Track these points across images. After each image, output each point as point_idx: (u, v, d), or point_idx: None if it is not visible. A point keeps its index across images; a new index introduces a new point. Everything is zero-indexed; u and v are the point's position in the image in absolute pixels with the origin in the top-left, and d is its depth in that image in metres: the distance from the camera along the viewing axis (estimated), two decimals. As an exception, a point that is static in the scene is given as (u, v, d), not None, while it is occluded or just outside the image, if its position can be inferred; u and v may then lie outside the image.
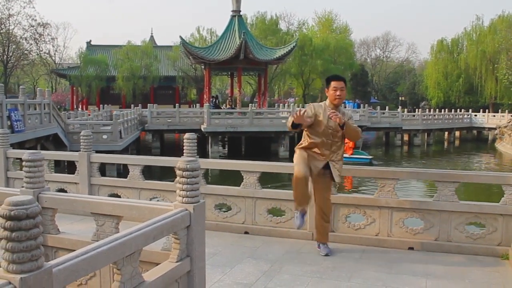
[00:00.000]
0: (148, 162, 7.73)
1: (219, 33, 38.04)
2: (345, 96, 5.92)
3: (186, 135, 7.03)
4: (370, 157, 28.37)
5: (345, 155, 24.88)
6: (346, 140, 24.79)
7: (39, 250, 2.22)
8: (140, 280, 3.14)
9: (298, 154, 5.80)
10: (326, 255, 5.88)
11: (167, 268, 3.43)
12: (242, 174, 7.02)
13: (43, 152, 10.31)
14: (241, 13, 35.40)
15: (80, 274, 2.62)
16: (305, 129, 5.88)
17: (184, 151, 7.11)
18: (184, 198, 3.63)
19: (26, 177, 4.25)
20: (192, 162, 3.65)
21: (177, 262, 3.52)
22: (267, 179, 9.25)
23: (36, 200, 4.15)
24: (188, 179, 3.61)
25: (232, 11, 34.67)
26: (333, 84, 5.79)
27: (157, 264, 3.62)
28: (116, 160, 8.82)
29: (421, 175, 6.77)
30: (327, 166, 5.82)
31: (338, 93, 5.76)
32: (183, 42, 34.16)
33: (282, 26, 62.39)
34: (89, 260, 2.59)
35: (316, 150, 5.78)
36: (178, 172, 3.65)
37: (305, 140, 5.90)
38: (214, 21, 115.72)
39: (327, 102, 5.87)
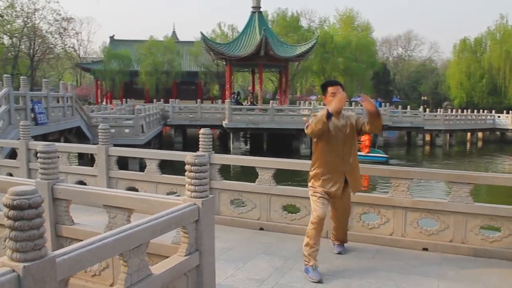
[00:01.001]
0: (164, 157, 7.78)
1: (240, 29, 37.99)
2: (345, 102, 5.42)
3: (202, 131, 7.06)
4: (386, 156, 28.19)
5: (361, 154, 24.95)
6: (362, 139, 24.73)
7: (42, 240, 2.26)
8: (148, 273, 3.17)
9: (312, 197, 5.44)
10: (339, 253, 5.88)
11: (176, 262, 3.46)
12: (257, 171, 7.03)
13: (63, 144, 10.56)
14: (261, 10, 35.31)
15: (85, 265, 2.66)
16: (314, 141, 5.57)
17: (199, 146, 7.15)
18: (193, 193, 3.66)
19: (41, 168, 4.32)
20: (200, 157, 3.68)
21: (185, 256, 3.55)
22: (288, 176, 9.24)
23: (50, 191, 4.25)
24: (197, 174, 3.64)
25: (253, 7, 34.60)
26: (330, 90, 5.46)
27: (167, 257, 3.66)
28: (133, 153, 8.90)
29: (436, 175, 6.67)
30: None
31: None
32: (204, 37, 34.21)
33: (303, 23, 62.13)
34: (94, 251, 2.63)
35: (327, 164, 5.40)
36: (186, 166, 3.68)
37: (315, 158, 5.54)
38: (236, 16, 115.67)
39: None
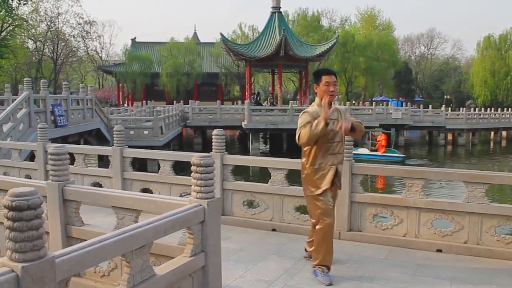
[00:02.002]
0: (176, 158, 7.83)
1: (261, 29, 38.05)
2: (337, 92, 5.24)
3: (214, 132, 7.09)
4: (402, 155, 28.08)
5: (377, 154, 24.83)
6: (379, 139, 24.60)
7: (41, 240, 2.30)
8: (151, 273, 3.19)
9: (317, 200, 5.05)
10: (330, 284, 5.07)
11: (180, 263, 3.48)
12: (270, 171, 7.02)
13: (79, 146, 10.69)
14: (281, 10, 35.27)
15: (86, 265, 2.70)
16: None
17: (212, 147, 7.17)
18: (198, 194, 3.68)
19: (52, 170, 4.39)
20: (205, 157, 3.69)
21: (191, 257, 3.57)
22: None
23: (61, 193, 4.31)
24: (202, 175, 3.66)
25: (272, 7, 34.59)
26: (324, 78, 4.96)
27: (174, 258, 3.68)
28: (146, 155, 8.99)
29: (450, 175, 6.57)
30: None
31: (331, 88, 4.94)
32: (224, 39, 34.36)
33: (324, 22, 62.00)
34: (95, 251, 2.66)
35: (322, 162, 5.00)
36: (192, 167, 3.69)
37: (308, 155, 5.08)
38: (257, 16, 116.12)
39: (317, 101, 5.07)
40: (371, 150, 28.01)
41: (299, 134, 4.84)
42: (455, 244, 5.95)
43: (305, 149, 5.08)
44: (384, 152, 27.44)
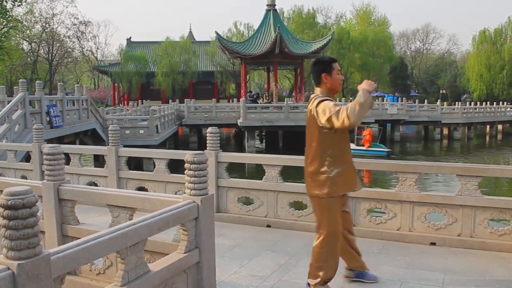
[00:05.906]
0: (171, 156, 7.88)
1: (256, 27, 38.04)
2: None
3: (209, 130, 7.14)
4: (388, 149, 28.24)
5: (362, 148, 25.06)
6: (364, 133, 24.82)
7: (36, 238, 2.34)
8: (146, 270, 3.23)
9: (332, 203, 4.31)
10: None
11: (175, 259, 3.52)
12: (264, 168, 7.07)
13: (74, 146, 10.73)
14: (276, 7, 35.28)
15: (81, 262, 2.74)
16: (325, 131, 4.25)
17: (207, 145, 7.22)
18: (192, 191, 3.72)
19: (47, 170, 4.42)
20: (199, 155, 3.73)
21: (185, 253, 3.61)
22: (298, 173, 9.27)
23: (56, 192, 4.35)
24: (196, 172, 3.70)
25: (267, 5, 34.59)
26: (336, 66, 4.38)
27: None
28: (142, 154, 9.06)
29: (443, 169, 6.63)
30: None
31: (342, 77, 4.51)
32: (219, 37, 34.37)
33: (320, 19, 61.98)
34: (89, 249, 2.70)
35: (346, 165, 4.39)
36: (186, 165, 3.74)
37: (326, 160, 4.29)
38: (253, 15, 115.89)
39: (324, 93, 4.36)
40: (357, 145, 28.12)
41: (346, 114, 3.94)
42: (448, 237, 6.01)
43: (321, 144, 4.31)
44: (369, 147, 27.68)
